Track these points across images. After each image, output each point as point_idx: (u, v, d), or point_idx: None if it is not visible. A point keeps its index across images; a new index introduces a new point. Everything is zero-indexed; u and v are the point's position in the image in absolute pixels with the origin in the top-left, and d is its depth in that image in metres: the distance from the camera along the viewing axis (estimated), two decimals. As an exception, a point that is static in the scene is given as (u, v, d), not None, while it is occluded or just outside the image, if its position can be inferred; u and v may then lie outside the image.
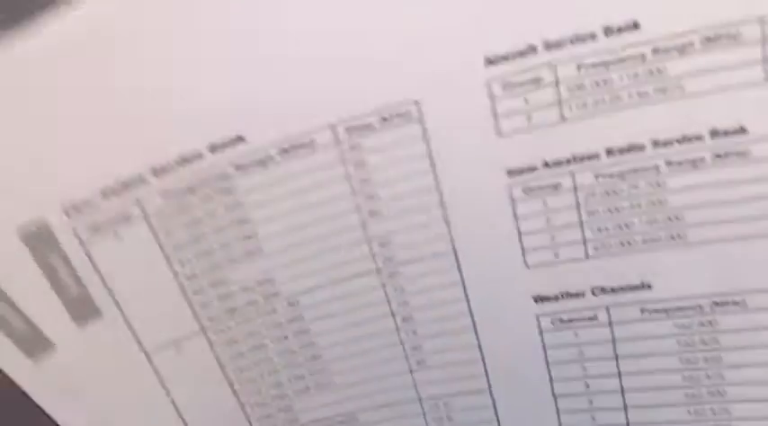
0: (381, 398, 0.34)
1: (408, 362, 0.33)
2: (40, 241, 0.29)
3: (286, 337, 0.32)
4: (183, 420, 0.34)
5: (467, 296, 0.31)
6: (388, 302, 0.32)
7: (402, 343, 0.33)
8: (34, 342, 0.30)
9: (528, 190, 0.29)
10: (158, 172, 0.28)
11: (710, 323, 0.30)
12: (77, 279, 0.30)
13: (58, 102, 0.27)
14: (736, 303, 0.30)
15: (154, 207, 0.29)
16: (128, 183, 0.28)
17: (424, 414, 0.34)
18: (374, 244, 0.30)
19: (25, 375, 0.31)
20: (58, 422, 0.32)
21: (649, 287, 0.30)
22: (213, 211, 0.29)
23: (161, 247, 0.30)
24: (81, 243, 0.29)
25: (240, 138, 0.28)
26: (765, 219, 0.28)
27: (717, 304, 0.30)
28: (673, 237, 0.29)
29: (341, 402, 0.34)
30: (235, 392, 0.34)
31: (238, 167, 0.29)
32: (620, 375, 0.32)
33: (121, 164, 0.28)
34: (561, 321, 0.32)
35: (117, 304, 0.31)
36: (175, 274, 0.31)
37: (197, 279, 0.31)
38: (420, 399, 0.34)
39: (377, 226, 0.30)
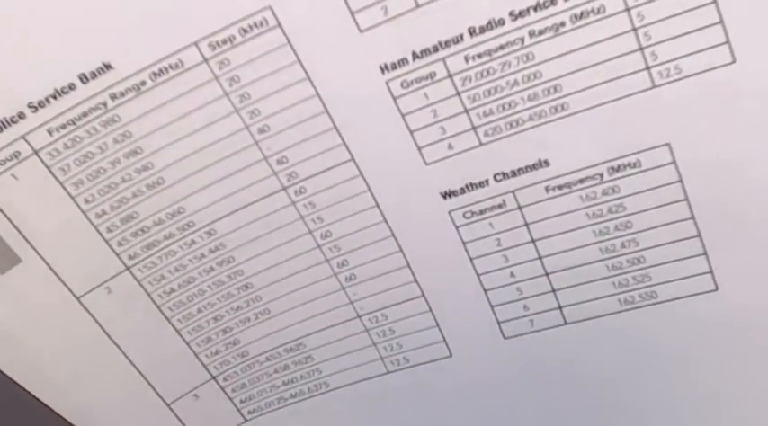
0: (322, 321, 0.35)
1: (338, 279, 0.34)
2: None
3: (212, 268, 0.33)
4: (129, 359, 0.35)
5: (377, 203, 0.32)
6: (302, 219, 0.32)
7: (327, 261, 0.33)
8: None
9: (406, 85, 0.30)
10: (36, 106, 0.29)
11: (613, 189, 0.31)
12: (-14, 223, 0.31)
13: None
14: (631, 165, 0.30)
15: (41, 143, 0.30)
16: (8, 120, 0.30)
17: (367, 331, 0.35)
18: (272, 161, 0.31)
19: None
20: (4, 372, 0.33)
21: (547, 163, 0.31)
22: (103, 144, 0.30)
23: (61, 184, 0.31)
24: None
25: (108, 66, 0.29)
26: (636, 73, 0.28)
27: (614, 169, 0.30)
28: (556, 109, 0.29)
29: (284, 330, 0.35)
30: (177, 331, 0.35)
31: (113, 96, 0.29)
32: (540, 258, 0.32)
33: (0, 102, 0.29)
34: (473, 213, 0.32)
35: (34, 248, 0.32)
36: (84, 213, 0.32)
37: (107, 216, 0.32)
38: (359, 316, 0.35)
39: (269, 142, 0.31)
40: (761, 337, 0.32)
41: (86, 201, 0.31)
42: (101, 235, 0.32)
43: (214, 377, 0.36)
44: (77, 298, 0.33)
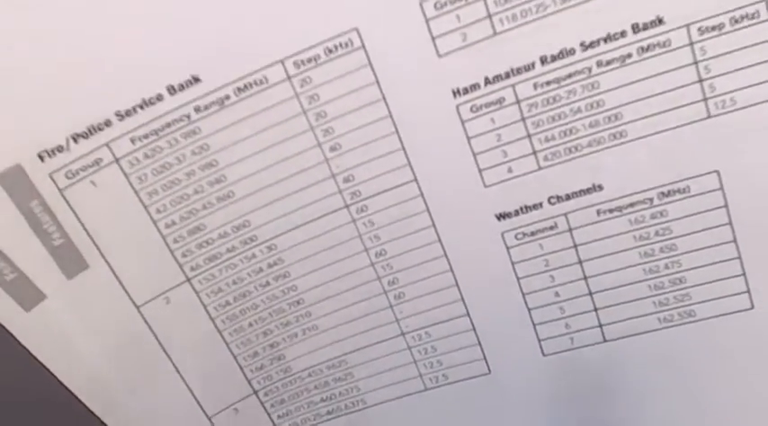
0: (366, 338, 0.36)
1: (387, 297, 0.35)
2: (17, 186, 0.30)
3: (268, 283, 0.34)
4: (179, 371, 0.35)
5: (433, 222, 0.33)
6: (360, 238, 0.33)
7: (379, 278, 0.34)
8: (27, 293, 0.32)
9: (475, 109, 0.31)
10: (123, 115, 0.30)
11: (661, 213, 0.32)
12: (60, 227, 0.31)
13: (20, 51, 0.29)
14: (680, 191, 0.32)
15: (123, 151, 0.31)
16: (95, 127, 0.30)
17: (410, 349, 0.36)
18: (339, 179, 0.32)
19: (20, 325, 0.32)
20: (55, 373, 0.33)
21: (600, 188, 0.32)
22: (182, 155, 0.31)
23: (136, 193, 0.32)
24: (58, 189, 0.31)
25: (196, 79, 0.30)
26: (693, 104, 0.30)
27: (664, 194, 0.32)
28: (614, 136, 0.31)
29: (329, 346, 0.36)
30: (226, 343, 0.35)
31: (198, 109, 0.30)
32: (585, 278, 0.34)
33: (89, 109, 0.30)
34: (524, 234, 0.33)
35: (102, 255, 0.32)
36: (155, 222, 0.32)
37: (176, 226, 0.32)
38: (403, 334, 0.36)
39: (338, 160, 0.32)
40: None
41: (158, 211, 0.32)
42: (167, 245, 0.33)
43: (256, 392, 0.36)
44: (137, 307, 0.33)
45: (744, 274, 0.33)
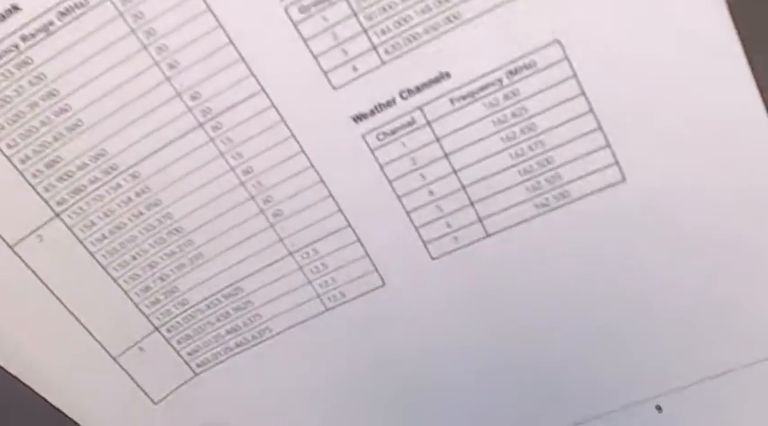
0: (255, 262, 0.36)
1: (265, 216, 0.35)
2: None
3: (141, 213, 0.34)
4: (72, 312, 0.35)
5: (292, 133, 0.33)
6: (223, 156, 0.34)
7: (252, 198, 0.34)
8: None
9: (303, 9, 0.31)
10: None
11: (513, 93, 0.32)
12: None
13: None
14: (527, 66, 0.31)
15: None
16: None
17: (301, 268, 0.36)
18: (185, 97, 0.32)
19: None
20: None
21: (448, 75, 0.32)
22: (20, 88, 0.32)
23: None
24: None
25: (15, 7, 0.30)
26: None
27: (512, 72, 0.32)
28: (449, 19, 0.31)
29: (220, 274, 0.36)
30: (113, 278, 0.35)
31: (24, 38, 0.31)
32: (455, 172, 0.34)
33: None
34: (385, 134, 0.33)
35: None
36: (8, 158, 0.33)
37: (31, 161, 0.33)
38: (291, 253, 0.36)
39: (180, 78, 0.32)
40: (670, 221, 0.33)
41: (9, 146, 0.33)
42: (26, 180, 0.33)
43: (157, 328, 0.37)
44: (10, 247, 0.34)
45: (608, 145, 0.32)
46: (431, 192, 0.34)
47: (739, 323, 0.35)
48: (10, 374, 0.35)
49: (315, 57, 0.32)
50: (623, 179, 0.33)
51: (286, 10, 0.31)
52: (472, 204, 0.34)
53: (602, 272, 0.35)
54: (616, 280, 0.35)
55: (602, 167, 0.33)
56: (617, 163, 0.33)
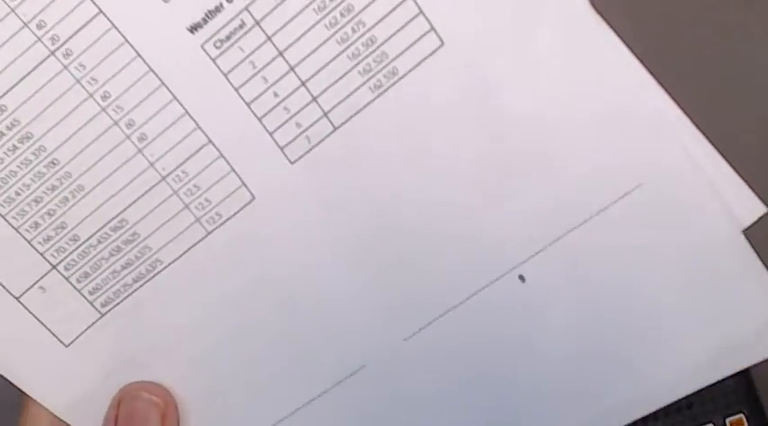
0: (132, 190, 0.37)
1: (131, 142, 0.36)
2: None
3: (15, 147, 0.36)
4: None
5: (137, 51, 0.35)
6: (79, 83, 0.35)
7: (116, 123, 0.36)
8: None
9: None
10: None
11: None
12: None
13: None
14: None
15: None
16: None
17: (176, 193, 0.37)
18: (31, 26, 0.35)
19: None
20: None
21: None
22: None
23: None
24: None
25: None
26: None
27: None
28: None
29: (103, 206, 0.37)
30: (2, 216, 0.37)
31: None
32: (292, 69, 0.35)
33: None
34: (221, 41, 0.35)
35: None
36: None
37: None
38: (164, 178, 0.37)
39: (23, 7, 0.34)
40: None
41: None
42: None
43: (54, 266, 0.38)
44: None
45: (421, 12, 0.33)
46: (275, 94, 0.35)
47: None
48: None
49: (139, -27, 0.34)
50: (442, 43, 0.33)
51: None
52: (314, 99, 0.35)
53: (445, 146, 0.34)
54: (456, 157, 0.34)
55: (420, 36, 0.33)
56: (432, 29, 0.33)
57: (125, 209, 0.38)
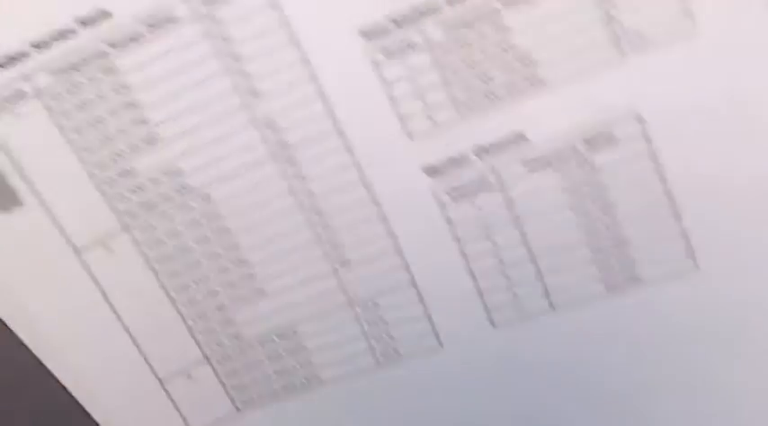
0: (315, 305, 0.35)
1: (331, 261, 0.34)
2: None
3: (208, 237, 0.34)
4: (127, 329, 0.36)
5: (364, 178, 0.33)
6: (293, 193, 0.33)
7: (320, 240, 0.34)
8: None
9: (387, 53, 0.31)
10: (39, 46, 0.31)
11: (587, 162, 0.31)
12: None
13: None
14: (604, 137, 0.30)
15: (43, 83, 0.32)
16: (13, 57, 0.32)
17: (359, 320, 0.35)
18: (261, 126, 0.32)
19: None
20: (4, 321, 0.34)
21: (524, 137, 0.31)
22: (102, 93, 0.32)
23: (60, 130, 0.33)
24: None
25: (106, 12, 0.31)
26: (602, 47, 0.29)
27: (588, 141, 0.31)
28: (531, 82, 0.30)
29: (277, 312, 0.36)
30: (172, 300, 0.35)
31: (112, 44, 0.31)
32: (525, 240, 0.33)
33: (6, 40, 0.31)
34: (456, 190, 0.32)
35: (34, 191, 0.33)
36: (82, 161, 0.33)
37: (105, 168, 0.33)
38: (351, 303, 0.35)
39: (260, 106, 0.32)
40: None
41: (85, 150, 0.33)
42: (99, 188, 0.34)
43: (208, 358, 0.36)
44: (76, 253, 0.34)
45: (685, 235, 0.31)
46: (500, 261, 0.33)
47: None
48: (55, 378, 0.35)
49: (392, 104, 0.31)
50: (697, 267, 0.31)
51: (370, 52, 0.31)
52: (541, 277, 0.33)
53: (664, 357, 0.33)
54: (676, 366, 0.33)
55: (675, 258, 0.31)
56: (693, 254, 0.31)
57: (299, 321, 0.36)
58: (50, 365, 0.35)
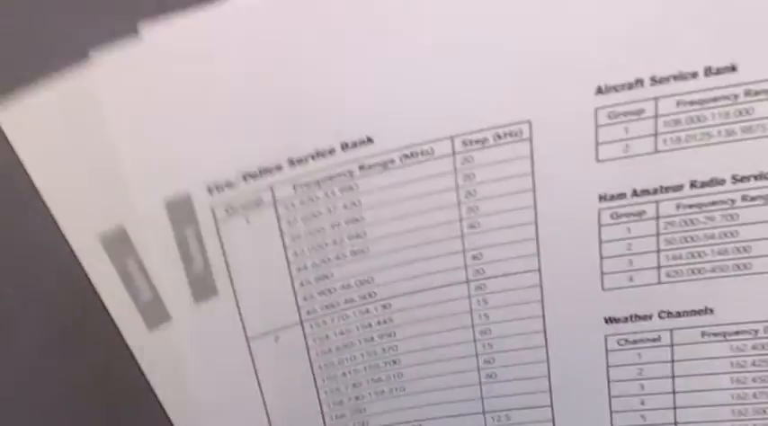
0: (448, 408, 0.36)
1: (479, 374, 0.35)
2: (181, 213, 0.31)
3: (372, 338, 0.35)
4: (266, 408, 0.36)
5: (543, 313, 0.34)
6: (471, 313, 0.34)
7: (477, 355, 0.35)
8: (155, 312, 0.32)
9: (615, 216, 0.32)
10: (294, 162, 0.31)
11: (763, 346, 0.33)
12: (204, 256, 0.32)
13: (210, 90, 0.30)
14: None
15: (283, 195, 0.32)
16: (266, 170, 0.31)
17: (486, 423, 0.37)
18: (468, 255, 0.33)
19: (139, 343, 0.33)
20: (156, 392, 0.33)
21: (711, 312, 0.33)
22: (333, 207, 0.32)
23: (282, 235, 0.32)
24: (215, 221, 0.32)
25: (370, 140, 0.31)
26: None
27: (773, 326, 0.33)
28: (739, 267, 0.32)
29: (410, 409, 0.36)
30: (317, 387, 0.36)
31: (362, 167, 0.31)
32: (674, 392, 0.35)
33: (263, 152, 0.31)
34: (627, 341, 0.34)
35: (233, 286, 0.33)
36: (289, 264, 0.33)
37: (306, 271, 0.33)
38: (484, 412, 0.36)
39: (474, 238, 0.33)
40: None
41: (295, 254, 0.33)
42: (293, 286, 0.33)
43: (334, 449, 0.37)
44: (247, 340, 0.34)
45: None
46: (642, 402, 0.35)
47: None
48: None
49: (601, 258, 0.33)
50: None
51: (599, 212, 0.32)
52: (675, 424, 0.35)
53: None
54: None
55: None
56: None
57: (429, 419, 0.37)
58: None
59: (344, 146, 0.31)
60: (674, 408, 0.35)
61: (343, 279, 0.34)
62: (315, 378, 0.35)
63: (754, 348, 0.34)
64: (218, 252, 0.32)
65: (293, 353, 0.35)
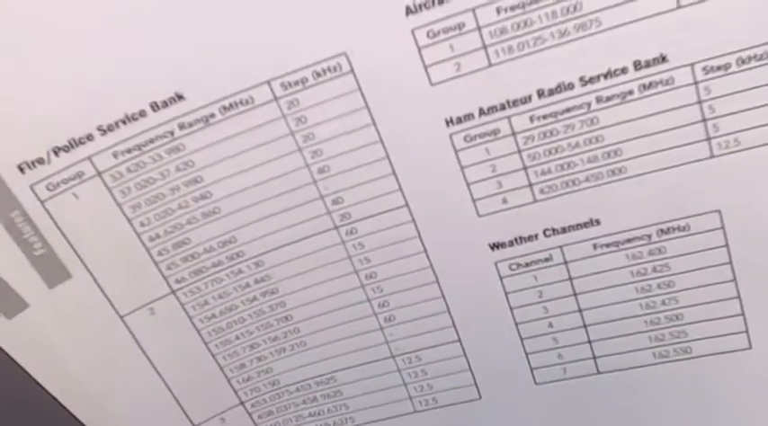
0: (356, 357, 0.35)
1: (377, 319, 0.34)
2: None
3: (255, 298, 0.34)
4: (164, 379, 0.35)
5: (425, 248, 0.32)
6: (350, 259, 0.33)
7: (368, 300, 0.34)
8: (9, 302, 0.32)
9: (469, 138, 0.30)
10: (105, 130, 0.30)
11: (659, 250, 0.31)
12: (42, 238, 0.31)
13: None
14: (680, 228, 0.31)
15: (106, 165, 0.30)
16: (77, 141, 0.30)
17: (399, 370, 0.35)
18: (327, 201, 0.31)
19: (2, 332, 0.32)
20: (36, 379, 0.33)
21: (598, 222, 0.31)
22: (165, 171, 0.31)
23: (119, 206, 0.31)
24: (39, 200, 0.31)
25: (180, 97, 0.29)
26: (696, 143, 0.29)
27: (663, 231, 0.31)
28: (613, 172, 0.30)
29: (317, 363, 0.36)
30: (212, 354, 0.35)
31: (182, 125, 0.30)
32: (580, 311, 0.33)
33: (70, 123, 0.30)
34: (518, 265, 0.33)
35: (85, 265, 0.32)
36: (138, 235, 0.32)
37: (160, 240, 0.32)
38: (393, 356, 0.35)
39: (327, 182, 0.31)
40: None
41: (142, 224, 0.32)
42: (151, 257, 0.32)
43: (242, 403, 0.36)
44: (121, 317, 0.33)
45: (743, 314, 0.32)
46: (550, 325, 0.34)
47: None
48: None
49: (467, 185, 0.31)
50: (749, 346, 0.32)
51: (451, 137, 0.30)
52: (590, 342, 0.34)
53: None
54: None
55: (731, 332, 0.32)
56: (747, 331, 0.32)
57: (338, 370, 0.36)
58: (87, 419, 0.34)
59: (155, 107, 0.29)
60: (585, 326, 0.33)
61: (202, 242, 0.32)
62: (207, 345, 0.35)
63: (651, 253, 0.32)
64: (56, 233, 0.31)
65: (174, 324, 0.34)
